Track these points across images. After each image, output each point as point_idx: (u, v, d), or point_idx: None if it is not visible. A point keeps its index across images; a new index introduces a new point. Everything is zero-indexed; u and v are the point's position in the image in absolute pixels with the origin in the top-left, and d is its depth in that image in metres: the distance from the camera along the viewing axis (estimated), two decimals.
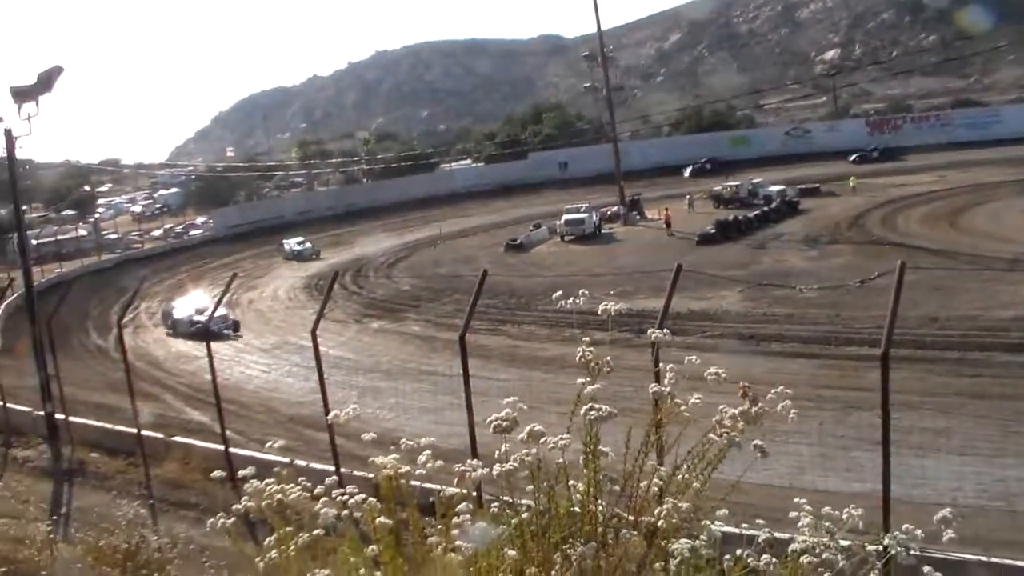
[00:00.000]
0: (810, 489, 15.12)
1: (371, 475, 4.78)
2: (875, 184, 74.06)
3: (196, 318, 46.77)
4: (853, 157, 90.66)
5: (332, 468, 15.91)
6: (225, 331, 46.12)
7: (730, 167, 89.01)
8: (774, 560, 4.16)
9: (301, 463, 5.41)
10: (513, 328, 40.68)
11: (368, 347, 40.42)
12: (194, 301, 53.83)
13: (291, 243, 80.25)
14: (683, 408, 4.51)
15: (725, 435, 4.31)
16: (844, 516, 4.23)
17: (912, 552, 4.07)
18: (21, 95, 24.09)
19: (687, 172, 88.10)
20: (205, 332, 43.82)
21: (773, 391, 4.47)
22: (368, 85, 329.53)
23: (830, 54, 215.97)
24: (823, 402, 23.65)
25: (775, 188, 72.29)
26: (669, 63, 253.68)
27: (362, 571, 4.44)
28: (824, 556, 4.03)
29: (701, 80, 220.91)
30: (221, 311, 46.86)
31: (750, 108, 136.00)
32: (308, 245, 79.82)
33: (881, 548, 4.18)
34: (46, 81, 24.13)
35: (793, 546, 4.13)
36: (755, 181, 75.04)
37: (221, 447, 21.09)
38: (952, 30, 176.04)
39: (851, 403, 23.16)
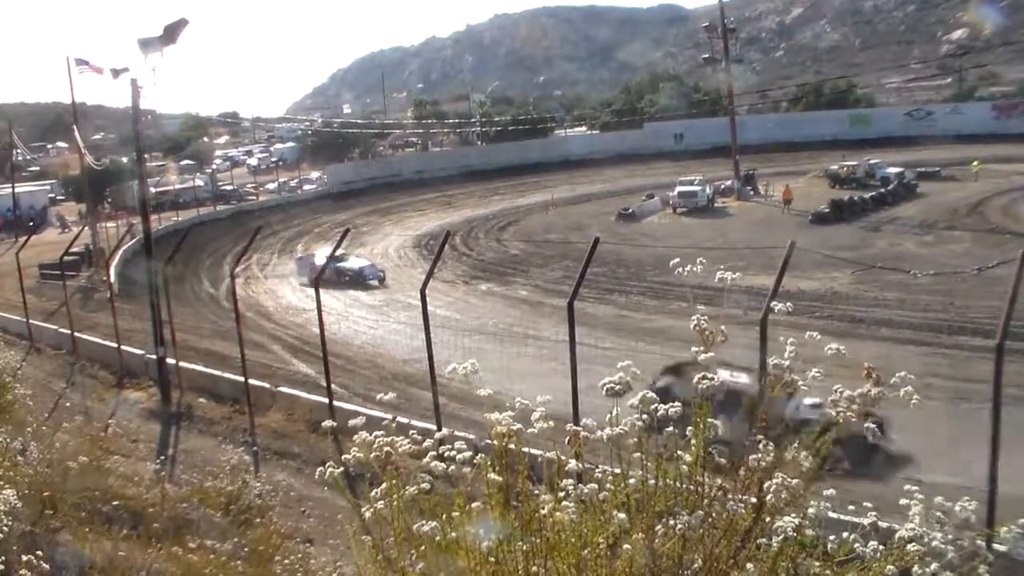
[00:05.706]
0: (911, 480, 14.87)
1: (472, 436, 4.82)
2: (999, 170, 71.78)
3: (343, 265, 47.02)
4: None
5: (434, 427, 16.08)
6: (372, 280, 48.94)
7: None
8: (880, 546, 4.11)
9: (403, 420, 5.52)
10: (620, 297, 40.47)
11: (475, 309, 40.57)
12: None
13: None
14: (801, 384, 4.47)
15: (842, 415, 4.26)
16: (957, 508, 4.17)
17: None
18: (147, 46, 24.57)
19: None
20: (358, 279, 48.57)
21: (897, 376, 4.40)
22: (485, 48, 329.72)
23: (958, 33, 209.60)
24: (931, 391, 23.01)
25: (893, 170, 70.50)
26: (790, 37, 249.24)
27: (468, 527, 4.49)
28: (933, 544, 3.98)
29: (822, 56, 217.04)
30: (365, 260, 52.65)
31: (871, 87, 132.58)
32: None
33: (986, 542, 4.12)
34: (171, 33, 24.55)
35: (900, 533, 4.08)
36: (872, 162, 73.22)
37: (325, 399, 21.44)
38: None
39: (960, 394, 22.69)
